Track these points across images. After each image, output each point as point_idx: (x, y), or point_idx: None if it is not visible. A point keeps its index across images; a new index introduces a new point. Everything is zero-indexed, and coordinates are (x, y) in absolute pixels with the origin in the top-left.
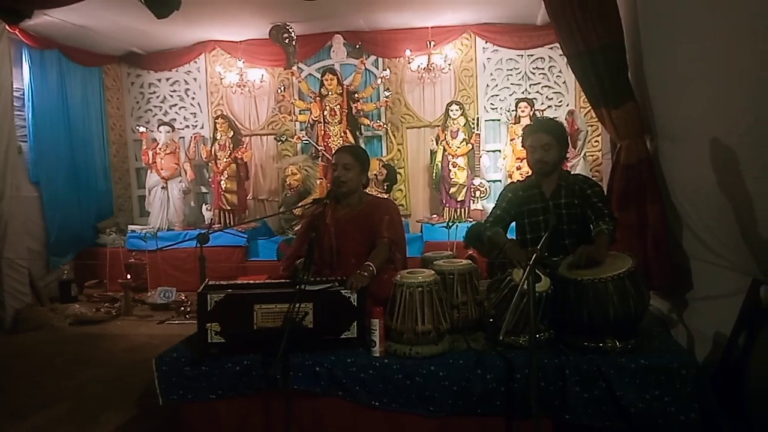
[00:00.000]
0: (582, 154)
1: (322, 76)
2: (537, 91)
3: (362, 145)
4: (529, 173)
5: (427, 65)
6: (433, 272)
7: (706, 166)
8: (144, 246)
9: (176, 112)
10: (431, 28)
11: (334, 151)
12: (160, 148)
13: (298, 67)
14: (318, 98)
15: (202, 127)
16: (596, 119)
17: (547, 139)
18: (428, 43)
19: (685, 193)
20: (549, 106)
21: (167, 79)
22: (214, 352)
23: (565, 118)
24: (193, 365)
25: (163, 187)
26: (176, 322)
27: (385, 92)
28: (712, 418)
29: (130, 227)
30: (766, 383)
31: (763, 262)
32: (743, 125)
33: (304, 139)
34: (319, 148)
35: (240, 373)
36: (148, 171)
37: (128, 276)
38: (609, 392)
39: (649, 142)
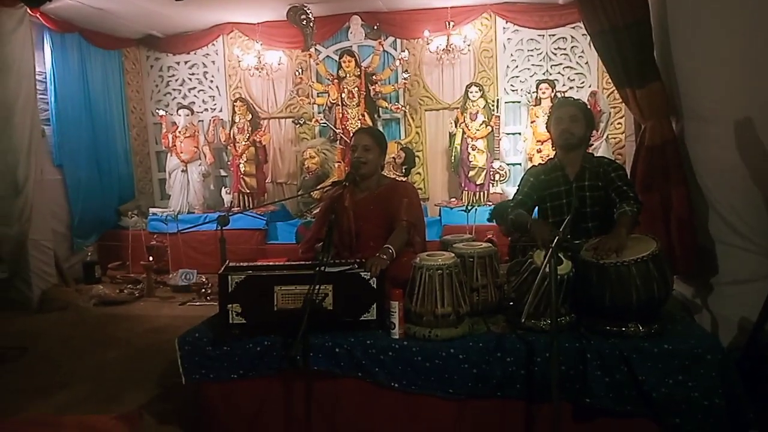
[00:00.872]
0: (605, 137)
1: (339, 58)
2: (558, 72)
3: (380, 128)
4: (550, 156)
5: (446, 46)
6: (453, 255)
7: (733, 148)
8: (165, 228)
9: (195, 96)
10: (450, 8)
11: (352, 134)
12: (179, 132)
13: (315, 49)
14: (336, 80)
15: (221, 111)
16: (619, 101)
17: (575, 111)
18: (447, 23)
19: (711, 175)
20: (571, 88)
21: (186, 62)
22: (235, 332)
23: (588, 100)
24: (215, 345)
25: (183, 171)
26: (197, 303)
27: (404, 74)
28: (737, 403)
29: (151, 210)
30: None
31: None
32: None
33: (322, 122)
34: (337, 131)
35: (261, 354)
36: (168, 154)
37: (150, 258)
38: (631, 377)
39: (675, 123)
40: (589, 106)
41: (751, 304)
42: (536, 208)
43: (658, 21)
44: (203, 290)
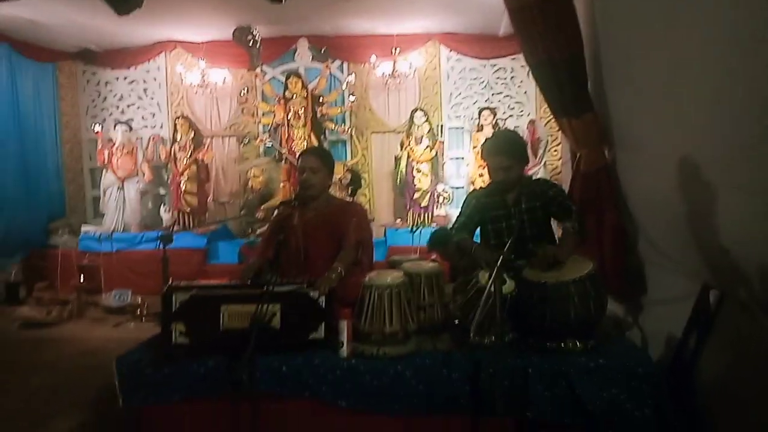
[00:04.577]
0: (542, 163)
1: (286, 79)
2: (499, 101)
3: (330, 152)
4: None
5: (392, 72)
6: (401, 274)
7: (660, 176)
8: (98, 248)
9: (134, 112)
10: (396, 35)
11: (298, 154)
12: (116, 148)
13: (261, 69)
14: (282, 101)
15: (161, 128)
16: (556, 129)
17: (507, 162)
18: (393, 49)
19: (640, 201)
20: (510, 116)
21: (125, 78)
22: (178, 353)
23: (527, 128)
24: (156, 367)
25: (119, 188)
26: (132, 325)
27: (350, 97)
28: (664, 414)
29: (83, 228)
30: (713, 381)
31: (713, 268)
32: (697, 136)
33: (267, 141)
34: (283, 151)
35: (205, 375)
36: (104, 171)
37: (81, 278)
38: (569, 391)
39: (608, 151)
40: (522, 142)
41: (676, 321)
42: (478, 229)
43: (592, 55)
44: (139, 311)
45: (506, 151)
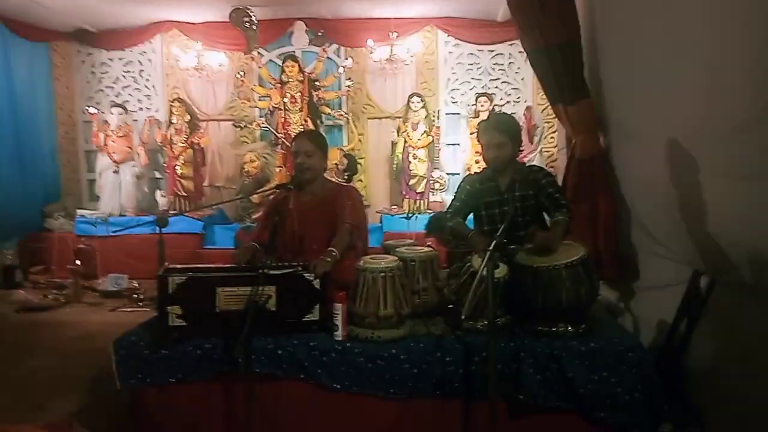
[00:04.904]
0: (538, 149)
1: (283, 63)
2: (496, 87)
3: (323, 134)
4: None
5: (390, 56)
6: (396, 258)
7: (654, 162)
8: (94, 231)
9: (129, 94)
10: (394, 19)
11: (293, 138)
12: (112, 131)
13: (258, 53)
14: (278, 85)
15: (157, 111)
16: (552, 116)
17: (500, 138)
18: (390, 34)
19: (634, 187)
20: (507, 102)
21: (120, 59)
22: (174, 335)
23: (523, 114)
24: (153, 349)
25: (114, 171)
26: (129, 309)
27: (347, 81)
28: (654, 397)
29: (79, 212)
30: (702, 366)
31: (704, 254)
32: (691, 125)
33: (263, 126)
34: (279, 135)
35: (201, 357)
36: (99, 154)
37: (77, 262)
38: (561, 374)
39: (603, 137)
40: (517, 122)
41: (667, 307)
42: (472, 214)
43: (589, 42)
44: (135, 296)
45: (499, 128)
